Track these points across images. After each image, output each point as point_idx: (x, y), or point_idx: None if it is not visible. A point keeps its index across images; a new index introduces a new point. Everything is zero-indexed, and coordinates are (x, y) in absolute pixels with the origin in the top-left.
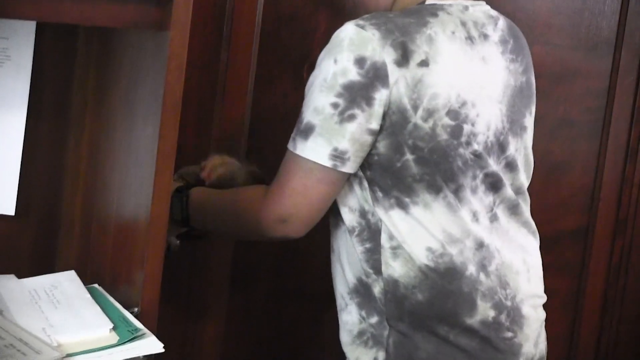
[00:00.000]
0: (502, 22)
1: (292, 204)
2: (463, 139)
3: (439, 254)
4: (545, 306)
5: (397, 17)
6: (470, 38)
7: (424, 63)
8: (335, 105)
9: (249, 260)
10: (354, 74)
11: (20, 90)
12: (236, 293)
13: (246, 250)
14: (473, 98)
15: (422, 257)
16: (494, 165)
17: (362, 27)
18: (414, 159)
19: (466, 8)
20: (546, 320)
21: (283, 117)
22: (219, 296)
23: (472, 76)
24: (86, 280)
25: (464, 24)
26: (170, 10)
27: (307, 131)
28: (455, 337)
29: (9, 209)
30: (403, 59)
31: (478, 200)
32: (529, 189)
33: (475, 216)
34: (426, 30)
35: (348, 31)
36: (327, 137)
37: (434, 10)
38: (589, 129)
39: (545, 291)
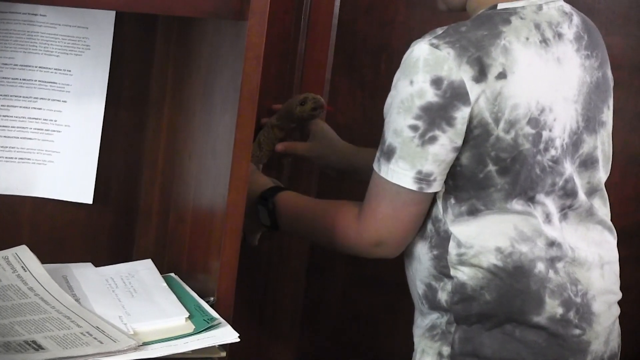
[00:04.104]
0: (576, 17)
1: (384, 228)
2: (541, 146)
3: (508, 252)
4: (623, 300)
5: (470, 30)
6: (544, 41)
7: (502, 75)
8: (414, 128)
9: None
10: (431, 95)
11: (99, 79)
12: (313, 282)
13: None
14: (550, 102)
15: (491, 258)
16: (569, 167)
17: (436, 46)
18: (496, 169)
19: (540, 7)
20: (623, 314)
21: (360, 106)
22: (295, 285)
23: (548, 80)
24: (163, 269)
25: (537, 26)
26: (249, 0)
27: (389, 153)
28: (522, 333)
29: (87, 198)
30: (481, 75)
31: (551, 202)
32: (607, 181)
33: (548, 217)
34: (500, 42)
35: (422, 51)
36: (409, 160)
37: (507, 16)
38: None
39: (624, 284)
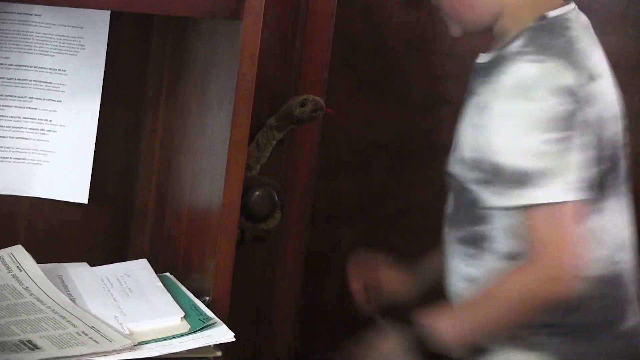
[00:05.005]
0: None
1: (555, 254)
2: (620, 145)
3: (611, 262)
4: None
5: (550, 40)
6: (595, 41)
7: (593, 77)
8: (548, 142)
9: (322, 248)
10: (552, 106)
11: (94, 79)
12: (309, 281)
13: (319, 238)
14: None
15: (593, 266)
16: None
17: (541, 61)
18: (607, 168)
19: (577, 11)
20: None
21: (357, 106)
22: (292, 284)
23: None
24: (158, 268)
25: (586, 28)
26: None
27: (523, 180)
28: (605, 340)
29: (83, 198)
30: (582, 79)
31: (626, 203)
32: None
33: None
34: (578, 47)
35: (527, 69)
36: (551, 176)
37: (566, 24)
38: None
39: None
